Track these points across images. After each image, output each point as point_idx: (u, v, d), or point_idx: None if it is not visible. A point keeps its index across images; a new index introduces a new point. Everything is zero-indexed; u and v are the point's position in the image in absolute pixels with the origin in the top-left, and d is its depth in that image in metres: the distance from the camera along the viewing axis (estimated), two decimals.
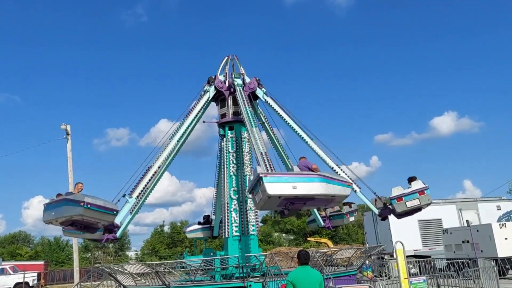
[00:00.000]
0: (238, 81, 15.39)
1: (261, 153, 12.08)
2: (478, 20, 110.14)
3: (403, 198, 13.75)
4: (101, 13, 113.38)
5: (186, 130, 14.87)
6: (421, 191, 13.71)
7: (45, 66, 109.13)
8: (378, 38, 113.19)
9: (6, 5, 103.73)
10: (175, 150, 14.83)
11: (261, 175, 9.57)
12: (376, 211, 15.18)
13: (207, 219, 18.67)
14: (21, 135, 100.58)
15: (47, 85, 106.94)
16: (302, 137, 15.36)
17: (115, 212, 11.39)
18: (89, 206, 10.56)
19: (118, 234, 12.59)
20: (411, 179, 14.18)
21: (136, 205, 13.16)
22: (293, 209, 10.28)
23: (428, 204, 13.94)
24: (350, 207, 17.32)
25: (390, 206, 14.26)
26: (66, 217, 10.53)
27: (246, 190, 13.64)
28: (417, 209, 14.00)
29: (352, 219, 17.44)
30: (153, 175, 13.64)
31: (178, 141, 14.58)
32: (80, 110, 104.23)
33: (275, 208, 10.56)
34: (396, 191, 14.03)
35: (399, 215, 14.36)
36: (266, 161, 11.72)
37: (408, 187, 13.99)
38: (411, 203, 13.68)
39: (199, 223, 18.85)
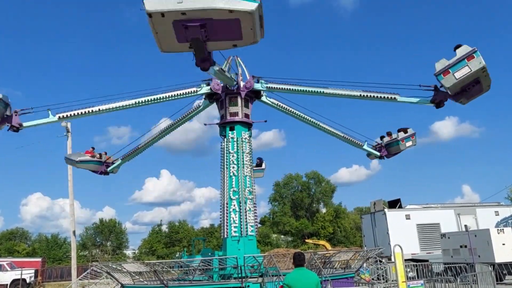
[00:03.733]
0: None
1: None
2: (481, 24, 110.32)
3: (449, 70, 11.55)
4: (103, 10, 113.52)
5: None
6: (469, 56, 11.29)
7: (47, 62, 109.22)
8: (380, 40, 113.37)
9: (8, 1, 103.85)
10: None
11: None
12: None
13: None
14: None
15: (48, 81, 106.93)
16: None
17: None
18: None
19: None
20: (456, 47, 11.79)
21: None
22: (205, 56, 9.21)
23: (483, 70, 11.28)
24: (406, 132, 16.02)
25: (441, 88, 12.36)
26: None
27: None
28: (473, 82, 11.61)
29: (409, 144, 15.97)
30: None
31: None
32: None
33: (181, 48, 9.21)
34: (440, 64, 11.79)
35: (457, 97, 12.12)
36: None
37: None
38: (461, 73, 11.34)
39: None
